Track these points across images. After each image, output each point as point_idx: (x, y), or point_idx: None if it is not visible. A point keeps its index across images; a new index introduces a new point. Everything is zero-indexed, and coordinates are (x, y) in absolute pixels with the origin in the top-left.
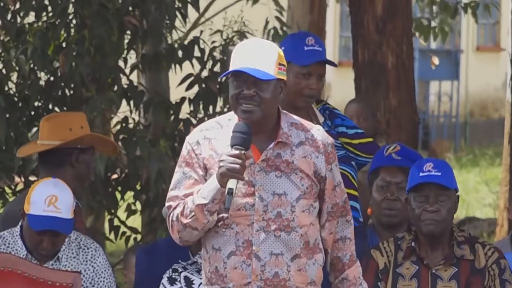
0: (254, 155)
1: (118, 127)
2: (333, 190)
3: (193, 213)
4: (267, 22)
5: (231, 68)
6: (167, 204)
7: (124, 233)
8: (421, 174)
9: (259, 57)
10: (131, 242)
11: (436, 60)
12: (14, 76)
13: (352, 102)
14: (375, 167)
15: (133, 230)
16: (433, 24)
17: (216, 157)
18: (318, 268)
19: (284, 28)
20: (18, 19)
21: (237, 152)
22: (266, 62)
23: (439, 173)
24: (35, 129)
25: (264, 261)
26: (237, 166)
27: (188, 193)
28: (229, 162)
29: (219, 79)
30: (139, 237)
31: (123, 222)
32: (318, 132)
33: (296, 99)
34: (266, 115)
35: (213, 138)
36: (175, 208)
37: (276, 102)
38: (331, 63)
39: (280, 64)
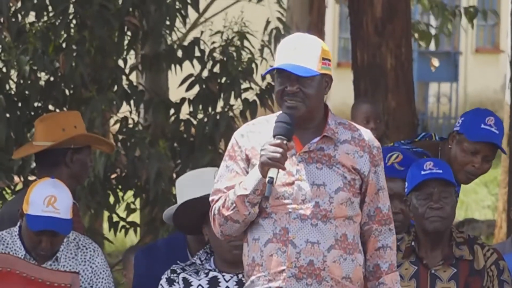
0: (297, 147)
1: (118, 127)
2: (376, 194)
3: (234, 205)
4: (268, 23)
5: (275, 65)
6: (210, 198)
7: (123, 226)
8: (422, 172)
9: (302, 53)
10: (131, 234)
11: (436, 62)
12: (14, 76)
13: (363, 103)
14: None
15: (132, 224)
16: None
17: (259, 149)
18: (356, 266)
19: (283, 33)
20: (19, 19)
21: (278, 141)
22: (308, 57)
23: (441, 170)
24: (33, 129)
25: (300, 248)
26: (278, 155)
27: (230, 186)
28: (270, 151)
29: (262, 76)
30: (138, 230)
31: (122, 218)
32: (366, 133)
33: (458, 171)
34: (311, 110)
35: (258, 131)
36: (216, 201)
37: (322, 97)
38: (502, 150)
39: (324, 59)
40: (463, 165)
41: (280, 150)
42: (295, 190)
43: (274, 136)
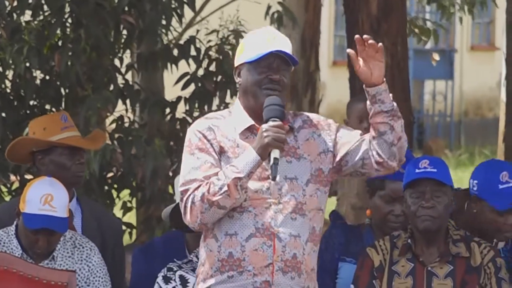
0: None
1: (114, 126)
2: (350, 132)
3: (224, 189)
4: (269, 7)
5: (250, 52)
6: (182, 188)
7: None
8: (416, 170)
9: (283, 42)
10: (126, 234)
11: (436, 56)
12: (10, 75)
13: (358, 102)
14: (380, 177)
15: (128, 225)
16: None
17: (228, 143)
18: (316, 257)
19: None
20: (14, 17)
21: (279, 122)
22: (289, 47)
23: (435, 170)
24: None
25: (285, 242)
26: (282, 135)
27: (208, 175)
28: (274, 132)
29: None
30: (134, 231)
31: (118, 218)
32: (309, 115)
33: (495, 234)
34: (283, 100)
35: (219, 126)
36: (196, 189)
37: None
38: None
39: None
40: (497, 230)
41: (283, 131)
42: (272, 184)
43: (268, 119)
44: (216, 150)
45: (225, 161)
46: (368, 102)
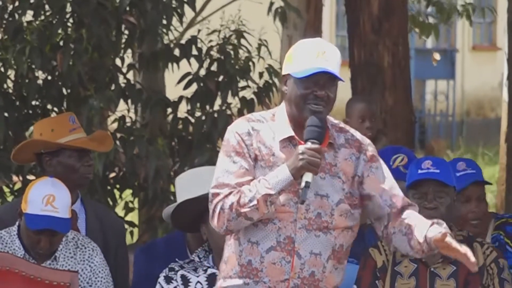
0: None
1: (116, 125)
2: (383, 184)
3: (254, 203)
4: (271, 3)
5: (297, 66)
6: (213, 191)
7: None
8: (419, 171)
9: (331, 57)
10: (127, 236)
11: (437, 56)
12: (12, 75)
13: (359, 102)
14: None
15: (131, 224)
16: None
17: (264, 150)
18: (343, 274)
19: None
20: (16, 18)
21: (317, 146)
22: (337, 63)
23: (438, 170)
24: (32, 128)
25: (304, 260)
26: (318, 160)
27: (240, 182)
28: (309, 155)
29: (299, 78)
30: (136, 230)
31: (120, 217)
32: (355, 132)
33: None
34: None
35: (260, 130)
36: (226, 196)
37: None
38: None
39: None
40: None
41: (318, 155)
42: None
43: (307, 140)
44: (252, 157)
45: (258, 169)
46: (418, 236)
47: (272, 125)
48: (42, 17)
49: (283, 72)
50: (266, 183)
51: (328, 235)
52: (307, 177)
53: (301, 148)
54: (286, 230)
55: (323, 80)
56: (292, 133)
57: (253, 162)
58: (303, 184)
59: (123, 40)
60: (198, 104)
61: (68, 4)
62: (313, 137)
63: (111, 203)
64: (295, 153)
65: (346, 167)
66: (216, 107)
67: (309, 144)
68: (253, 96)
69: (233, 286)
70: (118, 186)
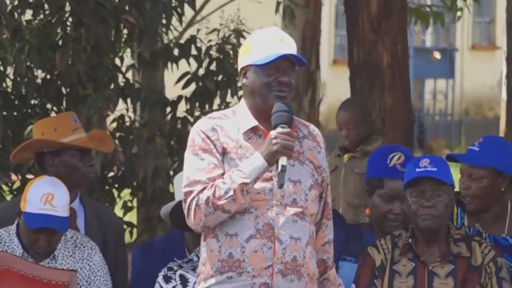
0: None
1: (115, 125)
2: (326, 188)
3: (230, 193)
4: (278, 3)
5: (258, 54)
6: (186, 189)
7: None
8: (417, 169)
9: (289, 44)
10: (127, 233)
11: (437, 55)
12: (11, 74)
13: (339, 110)
14: (379, 176)
15: (129, 224)
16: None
17: (231, 143)
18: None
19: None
20: (15, 16)
21: (289, 129)
22: (295, 49)
23: (435, 169)
24: (30, 127)
25: (286, 244)
26: (291, 143)
27: (212, 177)
28: (283, 139)
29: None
30: (134, 231)
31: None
32: (315, 129)
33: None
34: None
35: (223, 126)
36: (200, 192)
37: None
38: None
39: None
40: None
41: (291, 138)
42: (274, 185)
43: (276, 126)
44: (219, 151)
45: (227, 162)
46: None
47: (234, 120)
48: (41, 16)
49: (241, 65)
50: (240, 173)
51: (303, 220)
52: (283, 160)
53: (273, 133)
54: (264, 218)
55: (284, 66)
56: (256, 123)
57: (222, 156)
58: (279, 168)
59: (122, 40)
60: (197, 104)
61: (67, 4)
62: (282, 122)
63: (110, 203)
64: (267, 139)
65: (311, 157)
66: (215, 107)
67: (279, 129)
68: None
69: (215, 283)
70: (116, 185)
